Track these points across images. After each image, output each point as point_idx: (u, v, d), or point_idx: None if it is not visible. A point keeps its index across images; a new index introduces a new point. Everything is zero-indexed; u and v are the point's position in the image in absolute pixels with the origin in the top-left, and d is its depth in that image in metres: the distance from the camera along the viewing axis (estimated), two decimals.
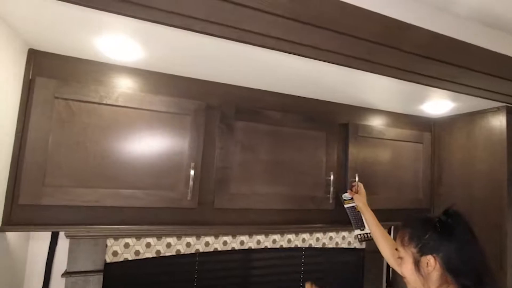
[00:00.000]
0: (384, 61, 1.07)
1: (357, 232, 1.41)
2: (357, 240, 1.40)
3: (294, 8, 0.86)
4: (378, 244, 1.30)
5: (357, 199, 1.44)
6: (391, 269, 1.99)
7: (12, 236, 1.07)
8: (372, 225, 1.35)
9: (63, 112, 1.04)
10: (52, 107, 1.02)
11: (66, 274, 1.21)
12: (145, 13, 0.77)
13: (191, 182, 1.17)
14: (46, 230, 1.01)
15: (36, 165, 1.00)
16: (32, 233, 1.23)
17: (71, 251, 1.22)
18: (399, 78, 1.15)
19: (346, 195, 1.45)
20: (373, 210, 1.51)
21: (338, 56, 1.00)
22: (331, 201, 1.43)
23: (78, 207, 1.05)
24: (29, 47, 1.03)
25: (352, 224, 1.41)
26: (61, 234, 1.26)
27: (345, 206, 1.44)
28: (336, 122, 1.50)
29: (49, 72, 1.05)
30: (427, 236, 0.90)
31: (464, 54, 1.11)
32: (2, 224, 0.97)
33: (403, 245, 0.95)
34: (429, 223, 0.92)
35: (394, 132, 1.65)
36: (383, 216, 1.59)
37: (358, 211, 1.44)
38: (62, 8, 0.78)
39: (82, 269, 1.22)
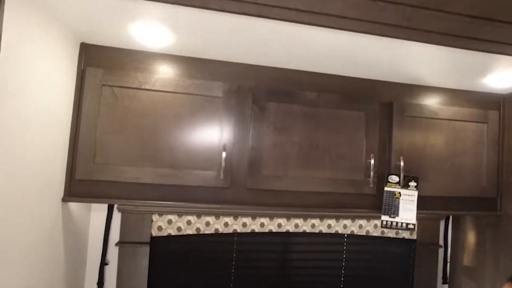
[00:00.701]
0: (426, 27, 0.96)
1: (384, 218, 1.34)
2: (381, 225, 1.34)
3: None
4: None
5: None
6: (449, 264, 1.80)
7: (75, 207, 1.24)
8: None
9: (109, 98, 1.15)
10: (100, 94, 1.14)
11: (119, 243, 1.36)
12: None
13: (223, 163, 1.20)
14: (97, 202, 1.15)
15: (88, 145, 1.13)
16: (93, 205, 1.41)
17: (122, 223, 1.37)
18: (447, 45, 1.01)
19: (393, 178, 1.36)
20: (425, 197, 1.38)
21: (368, 25, 0.93)
22: (371, 185, 1.34)
23: (123, 183, 1.16)
24: (81, 41, 1.17)
25: (382, 208, 1.33)
26: (116, 208, 1.42)
27: (386, 188, 1.34)
28: (377, 101, 1.39)
29: (97, 62, 1.17)
30: None
31: None
32: (64, 195, 1.13)
33: None
34: None
35: (450, 111, 1.46)
36: (438, 204, 1.45)
37: (397, 198, 1.34)
38: (105, 2, 0.87)
39: (132, 240, 1.36)
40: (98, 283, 1.41)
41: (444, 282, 1.79)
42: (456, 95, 1.51)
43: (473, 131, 1.50)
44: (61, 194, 1.12)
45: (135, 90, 1.17)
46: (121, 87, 1.16)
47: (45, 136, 0.99)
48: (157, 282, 1.42)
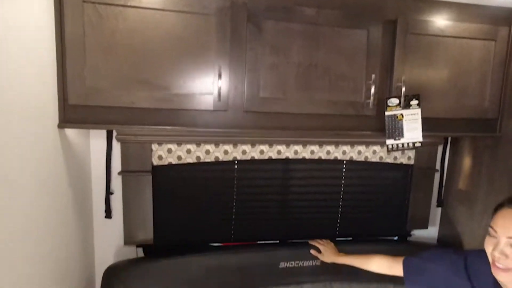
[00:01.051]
0: None
1: (389, 142, 1.34)
2: (386, 150, 1.36)
3: None
4: (370, 268, 1.32)
5: (326, 257, 1.44)
6: (443, 188, 1.85)
7: (73, 135, 1.22)
8: (358, 263, 1.36)
9: (92, 17, 1.07)
10: (82, 12, 1.06)
11: (121, 172, 1.38)
12: None
13: (219, 85, 1.17)
14: (93, 128, 1.15)
15: (77, 69, 1.08)
16: (91, 133, 1.39)
17: (123, 153, 1.38)
18: None
19: (393, 101, 1.33)
20: (427, 119, 1.37)
21: None
22: (371, 107, 1.32)
23: (118, 108, 1.13)
24: None
25: (386, 132, 1.32)
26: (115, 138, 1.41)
27: (386, 113, 1.33)
28: (380, 18, 1.31)
29: None
30: None
31: None
32: (59, 122, 1.11)
33: None
34: None
35: (457, 27, 1.38)
36: (438, 126, 1.44)
37: (400, 120, 1.32)
38: None
39: (134, 169, 1.38)
40: (105, 212, 1.47)
41: (438, 206, 1.87)
42: (465, 10, 1.41)
43: (480, 49, 1.43)
44: (57, 121, 1.10)
45: (121, 8, 1.09)
46: (104, 4, 1.07)
47: (29, 61, 0.93)
48: (161, 210, 1.47)
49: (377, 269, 1.31)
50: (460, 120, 1.46)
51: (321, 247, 1.47)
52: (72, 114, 1.12)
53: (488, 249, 0.93)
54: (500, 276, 0.91)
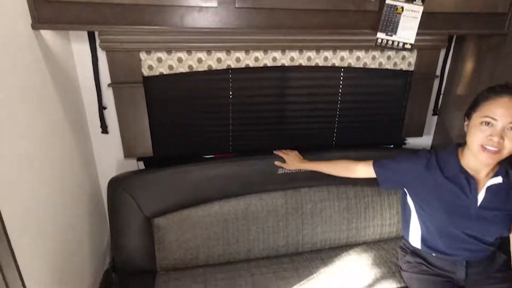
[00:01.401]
0: None
1: (380, 35, 1.26)
2: (375, 44, 1.27)
3: None
4: (339, 172, 1.38)
5: (290, 165, 1.45)
6: (441, 96, 1.83)
7: (51, 38, 1.12)
8: (325, 168, 1.40)
9: None
10: None
11: (111, 84, 1.33)
12: None
13: None
14: (71, 29, 1.07)
15: None
16: (72, 39, 1.28)
17: (110, 63, 1.30)
18: None
19: None
20: (433, 14, 1.28)
21: None
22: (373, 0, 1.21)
23: (97, 4, 1.03)
24: None
25: (380, 24, 1.23)
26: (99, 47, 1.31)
27: (387, 1, 1.21)
28: None
29: None
30: None
31: None
32: (32, 22, 1.01)
33: None
34: None
35: None
36: (445, 22, 1.35)
37: (398, 13, 1.22)
38: None
39: (123, 81, 1.32)
40: (101, 127, 1.45)
41: (434, 114, 1.87)
42: None
43: None
44: (30, 21, 1.01)
45: None
46: None
47: None
48: (158, 123, 1.46)
49: (345, 173, 1.37)
50: (468, 15, 1.36)
51: (284, 156, 1.46)
52: (46, 12, 1.01)
53: (480, 136, 1.02)
54: (487, 158, 1.02)
